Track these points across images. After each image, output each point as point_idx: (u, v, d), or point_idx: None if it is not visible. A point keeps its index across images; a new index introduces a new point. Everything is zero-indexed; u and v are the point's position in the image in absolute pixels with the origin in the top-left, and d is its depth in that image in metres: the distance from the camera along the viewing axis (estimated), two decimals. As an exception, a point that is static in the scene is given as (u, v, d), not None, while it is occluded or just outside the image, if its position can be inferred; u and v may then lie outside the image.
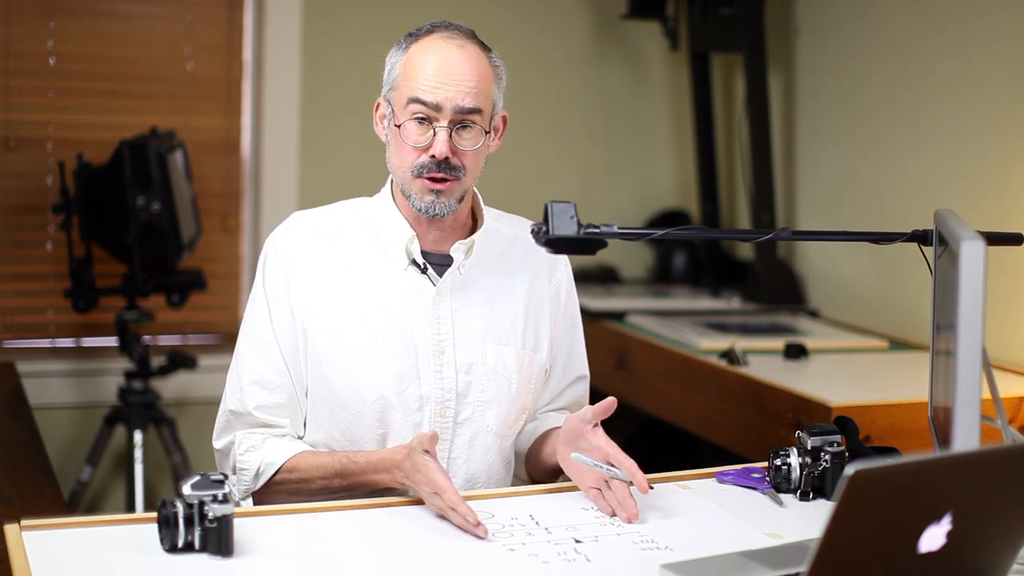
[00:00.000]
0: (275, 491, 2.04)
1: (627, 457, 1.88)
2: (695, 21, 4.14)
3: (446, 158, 1.98)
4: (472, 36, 2.04)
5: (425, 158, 1.99)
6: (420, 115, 1.98)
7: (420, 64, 1.99)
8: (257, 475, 2.03)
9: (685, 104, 4.42)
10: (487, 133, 2.02)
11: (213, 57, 4.00)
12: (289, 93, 4.00)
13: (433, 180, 1.99)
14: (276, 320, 2.06)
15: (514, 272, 2.14)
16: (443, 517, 1.84)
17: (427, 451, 1.87)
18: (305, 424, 2.11)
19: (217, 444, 2.11)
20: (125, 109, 3.90)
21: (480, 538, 1.77)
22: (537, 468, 2.15)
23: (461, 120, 1.98)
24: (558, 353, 2.20)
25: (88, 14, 3.88)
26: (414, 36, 2.04)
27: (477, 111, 1.99)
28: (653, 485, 2.00)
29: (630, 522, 1.86)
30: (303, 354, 2.06)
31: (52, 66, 3.84)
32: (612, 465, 1.89)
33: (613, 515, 1.88)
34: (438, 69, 1.98)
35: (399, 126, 2.00)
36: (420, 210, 2.01)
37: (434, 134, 1.98)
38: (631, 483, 1.88)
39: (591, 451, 1.92)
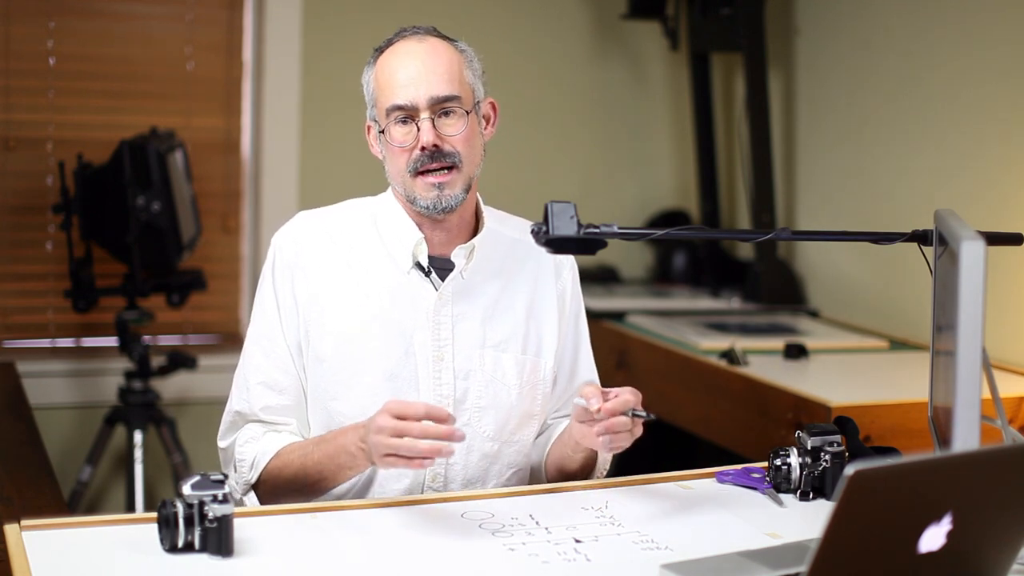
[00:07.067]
0: (267, 482, 2.03)
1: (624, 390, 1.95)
2: (695, 21, 4.14)
3: (436, 146, 1.98)
4: (433, 31, 2.07)
5: (416, 153, 2.00)
6: (401, 117, 1.99)
7: (388, 71, 2.02)
8: (252, 465, 2.04)
9: (685, 104, 4.42)
10: (468, 113, 2.01)
11: (213, 57, 4.00)
12: (289, 93, 4.00)
13: (431, 172, 1.99)
14: (285, 320, 2.07)
15: (517, 276, 2.14)
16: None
17: None
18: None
19: (222, 443, 2.11)
20: (125, 109, 3.90)
21: (459, 439, 1.79)
22: (564, 474, 2.13)
23: (441, 109, 1.99)
24: (563, 358, 2.19)
25: (88, 14, 3.88)
26: (380, 50, 2.07)
27: (454, 97, 2.00)
28: (653, 485, 2.02)
29: (598, 412, 1.90)
30: (306, 355, 2.06)
31: (52, 66, 3.84)
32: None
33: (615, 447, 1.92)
34: (405, 69, 2.00)
35: (383, 131, 2.02)
36: (427, 208, 2.01)
37: (418, 130, 1.99)
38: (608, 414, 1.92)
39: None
